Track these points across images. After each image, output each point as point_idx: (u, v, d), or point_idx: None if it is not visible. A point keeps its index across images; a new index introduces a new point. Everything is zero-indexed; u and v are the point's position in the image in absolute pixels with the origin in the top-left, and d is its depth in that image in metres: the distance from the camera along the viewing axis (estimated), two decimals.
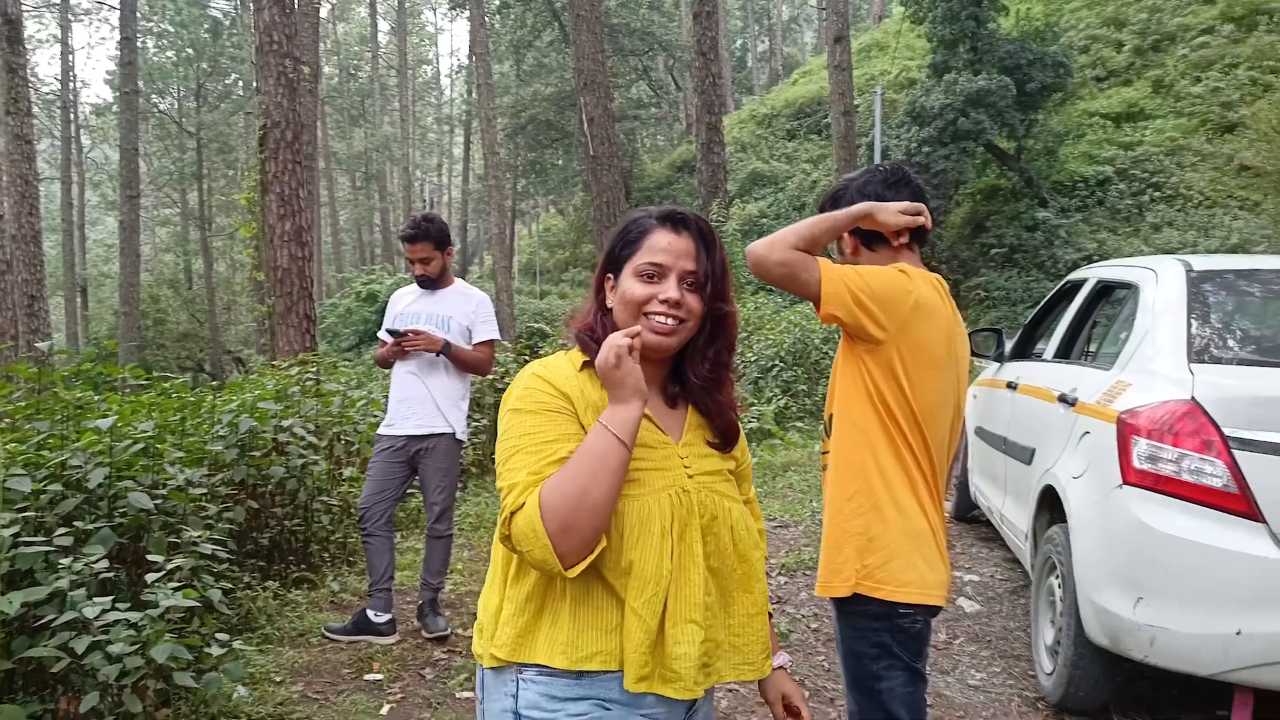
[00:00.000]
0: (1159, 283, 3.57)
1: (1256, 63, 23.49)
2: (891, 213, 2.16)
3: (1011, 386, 4.83)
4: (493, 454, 6.71)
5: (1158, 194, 23.03)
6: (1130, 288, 3.87)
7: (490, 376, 8.05)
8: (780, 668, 1.75)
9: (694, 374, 1.60)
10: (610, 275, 1.61)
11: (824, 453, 2.25)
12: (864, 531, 2.09)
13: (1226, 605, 2.88)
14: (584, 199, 30.46)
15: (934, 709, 3.58)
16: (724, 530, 1.55)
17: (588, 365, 1.56)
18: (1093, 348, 4.61)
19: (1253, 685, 2.93)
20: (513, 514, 1.42)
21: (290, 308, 9.25)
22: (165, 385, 5.23)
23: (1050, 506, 3.85)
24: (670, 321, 1.53)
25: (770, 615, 1.68)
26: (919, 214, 2.19)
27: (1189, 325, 3.32)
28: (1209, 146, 22.84)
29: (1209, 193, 21.66)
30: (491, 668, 1.54)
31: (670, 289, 1.53)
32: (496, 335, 4.48)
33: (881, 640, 2.07)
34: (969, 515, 6.17)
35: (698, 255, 1.56)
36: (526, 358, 11.24)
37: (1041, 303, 5.33)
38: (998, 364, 5.43)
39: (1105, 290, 4.37)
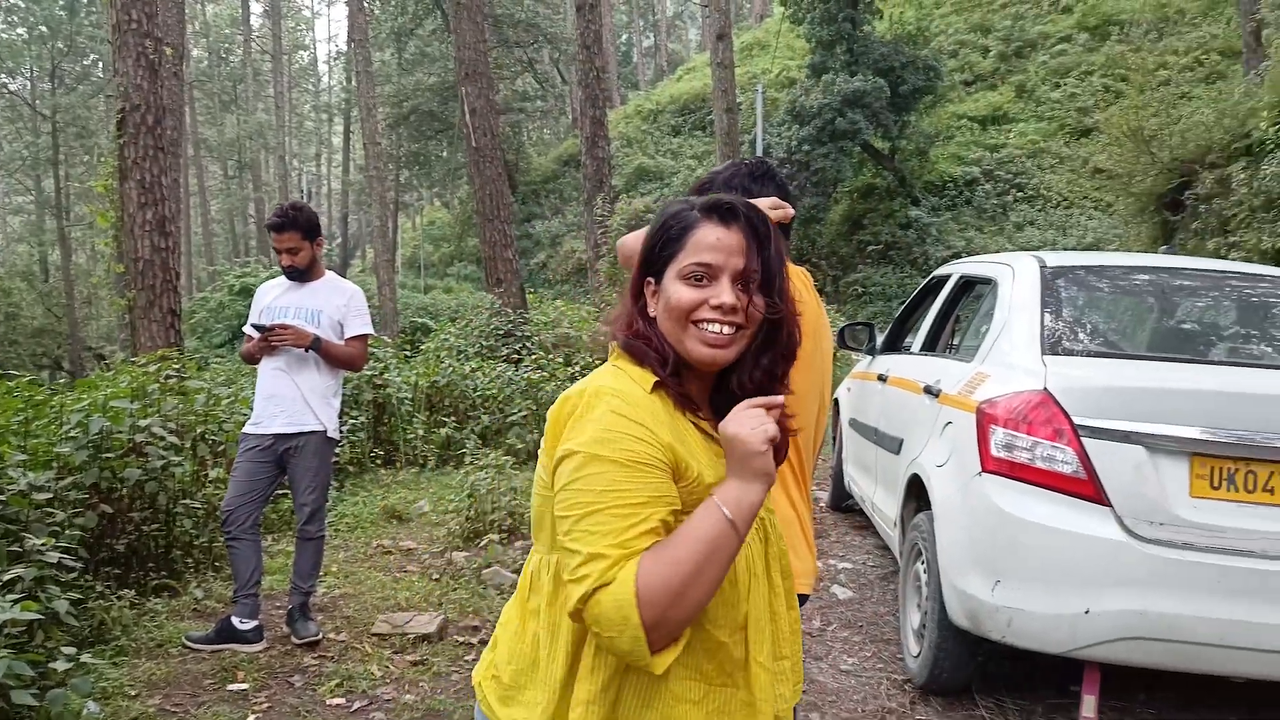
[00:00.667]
0: (1015, 278, 3.73)
1: (1109, 70, 24.93)
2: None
3: (882, 379, 4.98)
4: (373, 453, 6.50)
5: (1020, 194, 24.20)
6: (990, 283, 4.03)
7: (369, 372, 7.85)
8: None
9: (739, 386, 1.38)
10: (650, 279, 1.40)
11: None
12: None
13: (1076, 586, 3.03)
14: (469, 192, 30.06)
15: (807, 694, 3.66)
16: (778, 549, 1.46)
17: (660, 386, 1.35)
18: (956, 341, 4.80)
19: (1101, 661, 3.10)
20: (596, 590, 1.19)
21: (153, 301, 8.79)
22: (9, 384, 4.89)
23: (916, 495, 3.98)
24: (726, 330, 1.33)
25: None
26: (781, 208, 2.23)
27: (1043, 319, 3.49)
28: (1067, 150, 24.13)
29: (1067, 193, 22.88)
30: None
31: (724, 293, 1.32)
32: (370, 330, 4.35)
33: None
34: (844, 505, 6.34)
35: (751, 251, 1.35)
36: (408, 352, 11.02)
37: (910, 298, 5.51)
38: (870, 357, 5.59)
39: (967, 285, 4.54)
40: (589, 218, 14.01)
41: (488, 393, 8.84)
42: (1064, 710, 3.53)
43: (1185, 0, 26.02)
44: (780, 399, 1.30)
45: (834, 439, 6.62)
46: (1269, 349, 3.75)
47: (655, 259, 1.39)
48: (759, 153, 21.46)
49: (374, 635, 4.19)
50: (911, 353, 4.90)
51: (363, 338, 4.30)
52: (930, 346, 4.69)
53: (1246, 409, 3.03)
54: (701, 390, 1.41)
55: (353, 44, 26.24)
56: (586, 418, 1.29)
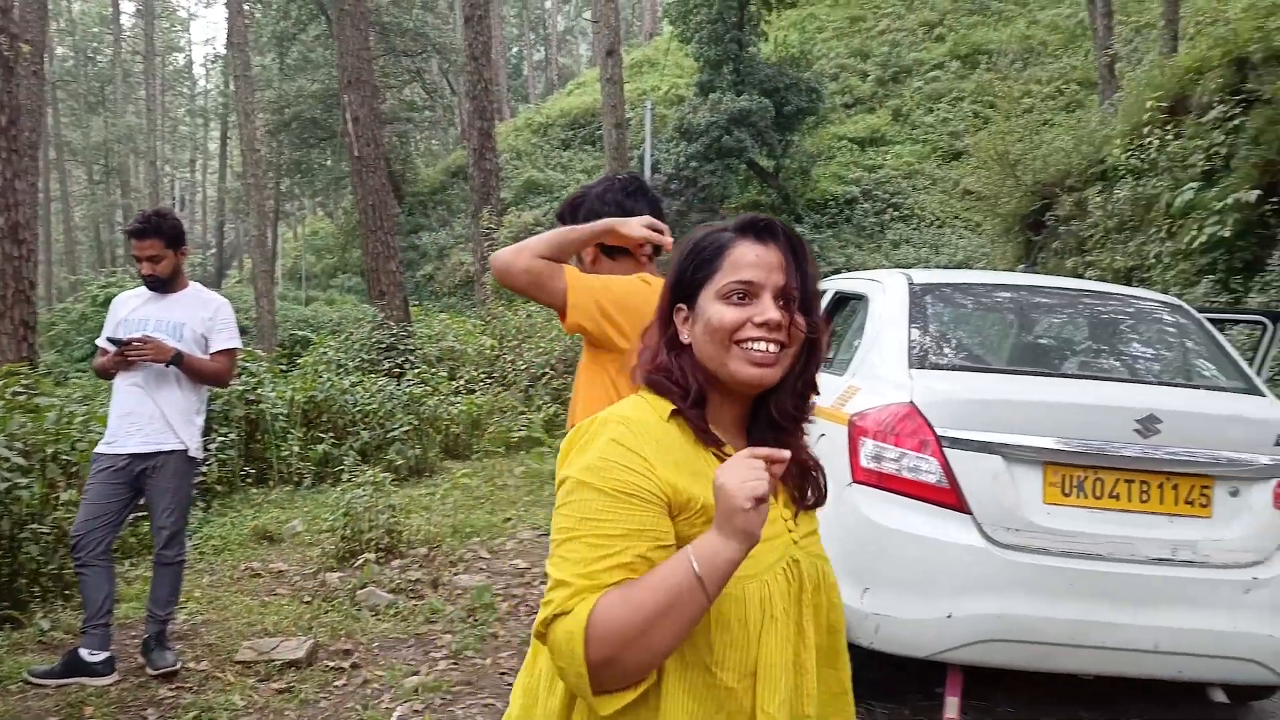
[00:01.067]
0: (885, 294, 3.85)
1: (978, 97, 26.15)
2: (635, 226, 2.19)
3: None
4: (244, 471, 6.24)
5: (896, 213, 25.11)
6: (862, 299, 4.15)
7: (241, 387, 7.55)
8: None
9: (779, 412, 1.33)
10: (682, 306, 1.35)
11: None
12: None
13: (939, 591, 3.13)
14: (354, 202, 29.38)
15: None
16: (823, 600, 1.34)
17: (677, 414, 1.31)
18: (831, 354, 4.91)
19: (963, 663, 3.20)
20: (555, 617, 1.17)
21: (4, 313, 8.30)
22: None
23: None
24: (773, 349, 1.27)
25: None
26: (661, 231, 2.24)
27: (910, 334, 3.60)
28: (939, 171, 25.19)
29: (939, 213, 23.85)
30: None
31: (768, 309, 1.28)
32: (237, 344, 4.18)
33: None
34: None
35: (790, 267, 1.31)
36: (285, 367, 10.65)
37: None
38: None
39: (842, 301, 4.66)
40: (476, 230, 13.85)
41: (368, 408, 8.62)
42: (929, 713, 3.64)
43: (1047, 33, 27.55)
44: (785, 454, 1.19)
45: None
46: (1116, 363, 3.96)
47: (688, 283, 1.34)
48: (648, 168, 21.67)
49: (238, 663, 4.01)
50: None
51: (230, 352, 4.13)
52: None
53: (1094, 419, 3.20)
54: (737, 418, 1.35)
55: (231, 47, 25.32)
56: (590, 445, 1.26)
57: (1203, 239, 14.27)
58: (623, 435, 1.25)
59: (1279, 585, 3.09)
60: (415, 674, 3.88)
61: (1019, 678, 3.62)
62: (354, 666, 3.99)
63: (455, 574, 5.27)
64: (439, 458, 8.80)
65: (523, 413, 9.99)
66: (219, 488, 7.07)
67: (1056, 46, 27.02)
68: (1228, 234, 13.87)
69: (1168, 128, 15.86)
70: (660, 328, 1.38)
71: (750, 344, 1.27)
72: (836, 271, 21.99)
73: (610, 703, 1.16)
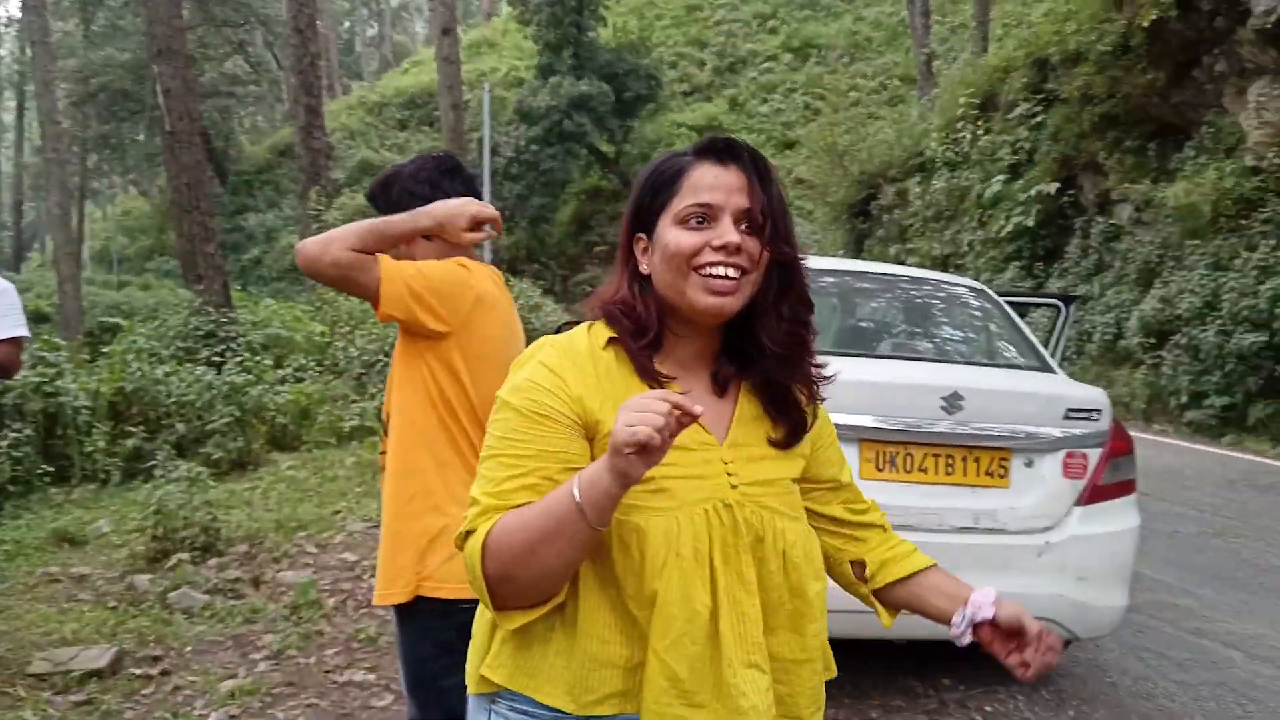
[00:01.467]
0: None
1: (809, 89, 27.13)
2: (461, 230, 2.07)
3: None
4: (42, 469, 5.74)
5: None
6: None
7: (36, 379, 6.97)
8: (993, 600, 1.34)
9: (770, 341, 1.26)
10: (641, 236, 1.29)
11: (381, 453, 2.15)
12: (424, 533, 2.00)
13: None
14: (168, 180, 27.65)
15: None
16: (772, 556, 1.25)
17: (614, 342, 1.26)
18: None
19: None
20: (467, 534, 1.18)
21: None
22: None
23: None
24: (733, 274, 1.20)
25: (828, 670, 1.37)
26: (490, 228, 2.16)
27: None
28: (774, 160, 25.89)
29: None
30: (476, 693, 1.29)
31: (727, 232, 1.20)
32: (24, 331, 3.81)
33: (444, 638, 2.00)
34: None
35: (753, 189, 1.23)
36: (89, 356, 9.89)
37: None
38: None
39: None
40: (305, 212, 13.27)
41: (184, 399, 8.11)
42: (925, 705, 3.72)
43: (872, 30, 28.86)
44: (696, 409, 1.07)
45: None
46: (928, 344, 4.18)
47: (645, 210, 1.28)
48: (486, 151, 21.33)
49: (30, 676, 3.68)
50: None
51: (17, 340, 3.76)
52: None
53: (906, 398, 3.36)
54: (700, 351, 1.29)
55: (28, 10, 23.20)
56: (521, 367, 1.27)
57: (1009, 228, 15.38)
58: (549, 357, 1.24)
59: (1067, 548, 3.34)
60: (232, 677, 3.68)
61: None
62: (164, 673, 3.75)
63: (279, 570, 5.04)
64: (264, 450, 8.39)
65: (355, 401, 9.66)
66: (11, 488, 6.49)
67: (881, 43, 28.35)
68: (1031, 223, 15.00)
69: (979, 123, 16.96)
70: (621, 259, 1.32)
71: (709, 270, 1.20)
72: None
73: (512, 619, 1.19)
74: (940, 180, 17.73)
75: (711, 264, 1.20)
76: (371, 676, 3.69)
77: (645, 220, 1.28)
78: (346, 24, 52.27)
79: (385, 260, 2.01)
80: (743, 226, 1.22)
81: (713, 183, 1.23)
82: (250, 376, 8.84)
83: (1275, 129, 11.08)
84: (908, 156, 19.15)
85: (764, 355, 1.27)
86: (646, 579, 1.17)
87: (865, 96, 25.16)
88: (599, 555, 1.19)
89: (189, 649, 3.98)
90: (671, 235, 1.23)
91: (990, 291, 4.27)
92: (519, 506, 1.16)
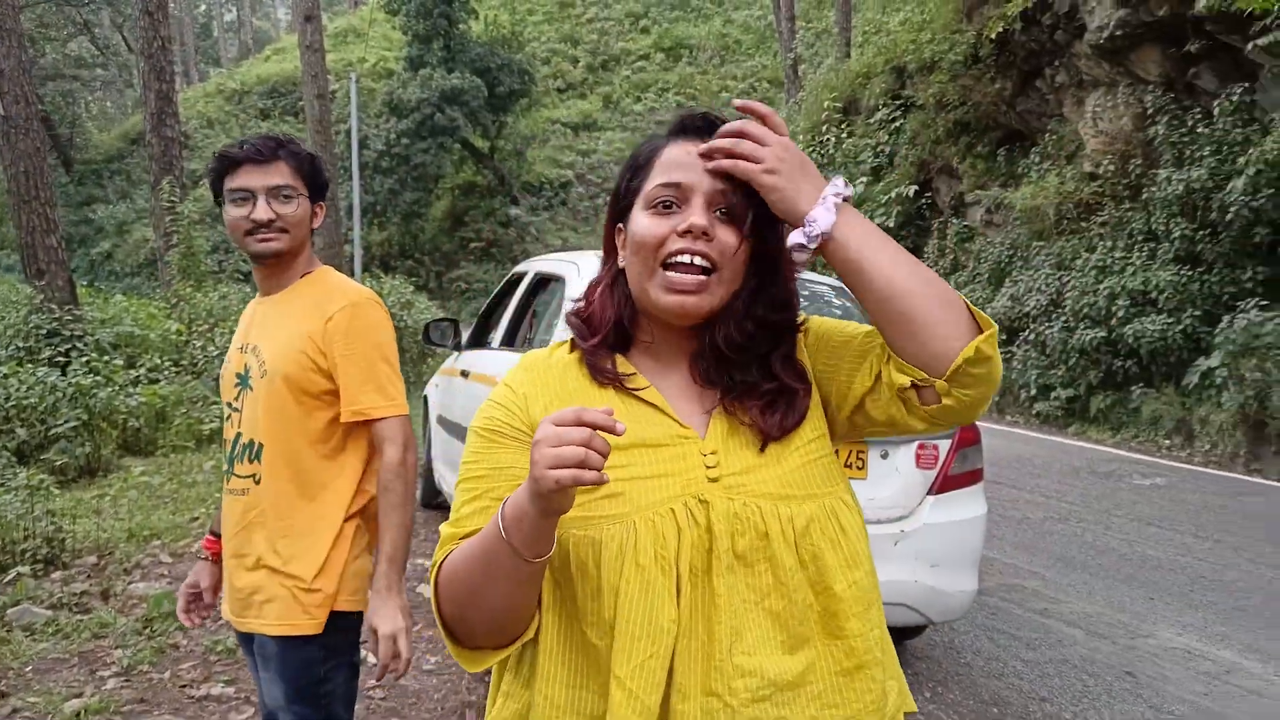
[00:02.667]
0: (580, 275, 3.93)
1: (682, 89, 27.48)
2: None
3: (465, 375, 5.01)
4: None
5: (609, 198, 25.95)
6: (560, 280, 4.21)
7: None
8: None
9: (724, 341, 1.10)
10: (621, 226, 1.15)
11: (245, 476, 1.97)
12: (348, 555, 1.96)
13: None
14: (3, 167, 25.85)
15: (387, 700, 3.57)
16: (783, 552, 1.04)
17: (577, 348, 1.15)
18: (531, 335, 4.97)
19: None
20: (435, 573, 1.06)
21: None
22: None
23: None
24: (698, 261, 1.05)
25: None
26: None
27: None
28: None
29: None
30: None
31: (694, 213, 1.05)
32: None
33: (328, 642, 1.95)
34: (435, 502, 6.31)
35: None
36: None
37: (493, 294, 5.61)
38: (456, 353, 5.61)
39: (542, 282, 4.71)
40: (157, 204, 12.59)
41: (25, 402, 7.59)
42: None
43: (741, 33, 29.45)
44: (618, 426, 0.89)
45: (424, 436, 6.57)
46: None
47: (624, 196, 1.14)
48: (354, 145, 20.76)
49: None
50: (493, 348, 4.98)
51: None
52: (509, 341, 4.80)
53: None
54: (682, 345, 1.14)
55: None
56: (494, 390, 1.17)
57: None
58: (513, 374, 1.16)
59: (921, 536, 3.50)
60: (78, 696, 3.48)
61: None
62: (1, 695, 3.51)
63: (130, 582, 4.79)
64: (115, 455, 7.94)
65: (215, 403, 9.24)
66: None
67: (749, 46, 28.96)
68: (892, 224, 15.62)
69: (842, 127, 17.55)
70: (605, 255, 1.19)
71: (673, 263, 1.05)
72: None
73: (476, 662, 1.06)
74: None
75: (677, 252, 1.05)
76: (230, 690, 3.56)
77: (623, 207, 1.14)
78: (203, 7, 49.87)
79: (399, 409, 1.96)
80: (718, 212, 1.07)
81: (684, 159, 1.08)
82: (99, 378, 8.35)
83: (1110, 138, 11.89)
84: None
85: (721, 359, 1.12)
86: (604, 598, 1.02)
87: (735, 97, 25.67)
88: (559, 580, 1.06)
89: (29, 668, 3.74)
90: (638, 222, 1.09)
91: (846, 288, 4.43)
92: (471, 534, 1.05)
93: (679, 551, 1.02)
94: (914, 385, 1.06)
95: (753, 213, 1.07)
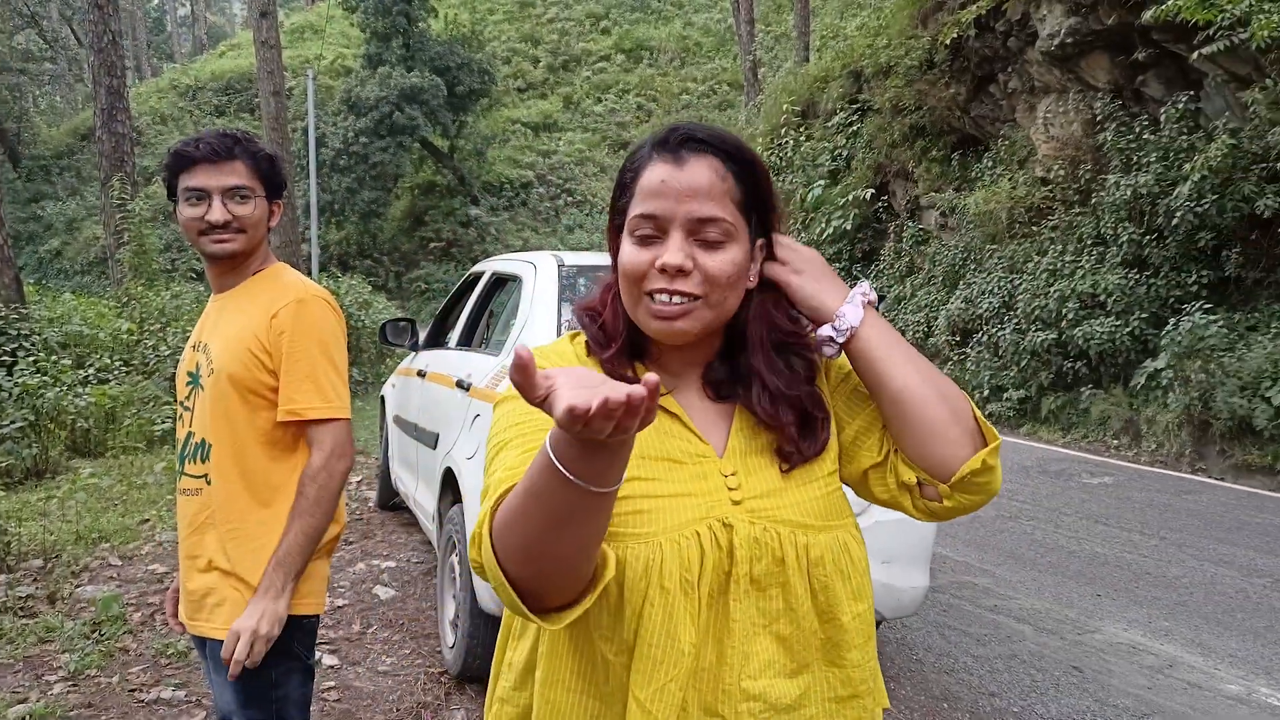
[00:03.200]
0: (537, 276, 3.93)
1: (642, 90, 27.53)
2: None
3: (422, 374, 4.99)
4: None
5: (570, 199, 25.88)
6: (517, 280, 4.21)
7: None
8: None
9: (751, 366, 1.11)
10: (621, 237, 1.12)
11: (197, 476, 1.93)
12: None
13: None
14: None
15: (341, 702, 3.55)
16: (797, 579, 1.04)
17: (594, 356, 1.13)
18: (488, 335, 4.96)
19: None
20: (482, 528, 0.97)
21: None
22: None
23: (452, 488, 4.04)
24: (677, 301, 1.03)
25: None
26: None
27: (559, 313, 3.71)
28: (608, 159, 26.24)
29: (608, 200, 24.96)
30: None
31: (669, 251, 1.02)
32: None
33: (281, 645, 1.88)
34: (391, 503, 6.27)
35: (714, 190, 1.03)
36: None
37: (450, 293, 5.59)
38: (413, 353, 5.58)
39: (500, 282, 4.71)
40: (108, 201, 12.36)
41: None
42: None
43: (701, 35, 29.58)
44: (649, 382, 0.75)
45: (381, 436, 6.53)
46: None
47: (617, 211, 1.11)
48: (312, 143, 20.52)
49: None
50: (450, 348, 4.97)
51: None
52: (466, 341, 4.79)
53: None
54: (692, 358, 1.13)
55: None
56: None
57: (830, 231, 16.14)
58: (542, 352, 1.14)
59: (873, 533, 3.51)
60: (22, 702, 3.41)
61: None
62: None
63: (78, 586, 4.70)
64: (63, 456, 7.79)
65: (167, 403, 9.09)
66: None
67: (710, 48, 29.09)
68: (849, 227, 15.80)
69: (800, 130, 17.70)
70: (612, 256, 1.14)
71: (656, 296, 1.04)
72: None
73: (561, 619, 0.94)
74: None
75: (657, 290, 1.03)
76: (181, 694, 3.51)
77: (619, 221, 1.11)
78: (156, 0, 49.00)
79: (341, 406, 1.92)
80: (699, 240, 1.04)
81: (659, 188, 1.04)
82: (46, 377, 8.18)
83: (1061, 143, 12.13)
84: None
85: (730, 370, 1.12)
86: (625, 618, 1.00)
87: (696, 100, 25.77)
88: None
89: None
90: (623, 251, 1.07)
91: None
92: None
93: (702, 574, 1.01)
94: (919, 482, 1.11)
95: (750, 236, 1.08)
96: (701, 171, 1.04)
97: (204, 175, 1.85)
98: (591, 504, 0.85)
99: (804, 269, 1.12)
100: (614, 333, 1.12)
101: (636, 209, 1.05)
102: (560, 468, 0.82)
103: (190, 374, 1.96)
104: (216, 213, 1.85)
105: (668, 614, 0.99)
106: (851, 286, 1.13)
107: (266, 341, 1.86)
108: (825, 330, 1.10)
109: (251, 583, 1.85)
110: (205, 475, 1.91)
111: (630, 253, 1.05)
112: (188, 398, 1.97)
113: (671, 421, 1.08)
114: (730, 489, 1.05)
